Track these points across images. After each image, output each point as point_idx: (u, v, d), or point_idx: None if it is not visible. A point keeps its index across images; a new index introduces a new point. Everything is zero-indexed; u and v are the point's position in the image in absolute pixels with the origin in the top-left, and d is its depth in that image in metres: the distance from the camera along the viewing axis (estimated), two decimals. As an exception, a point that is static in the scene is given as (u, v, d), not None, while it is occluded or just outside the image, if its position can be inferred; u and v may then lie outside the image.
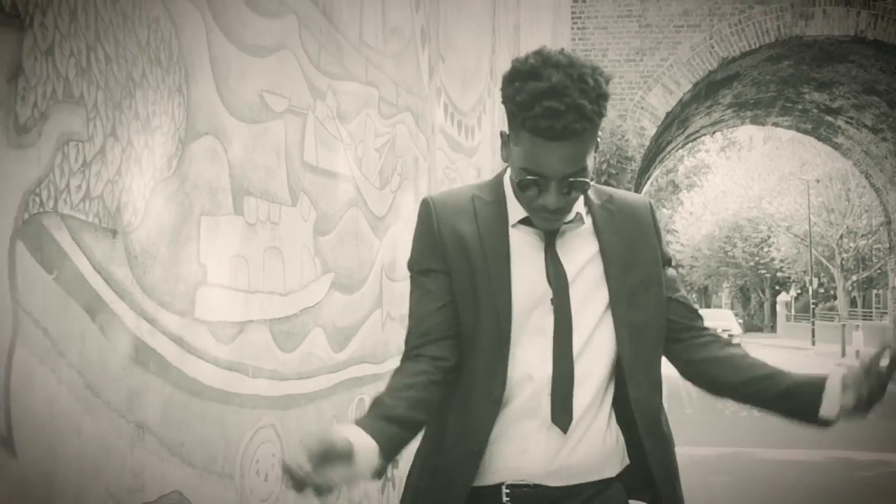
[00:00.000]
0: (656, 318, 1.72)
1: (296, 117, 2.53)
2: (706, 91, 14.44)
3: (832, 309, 39.69)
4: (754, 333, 44.11)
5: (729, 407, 12.57)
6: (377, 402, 1.57)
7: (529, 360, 1.65)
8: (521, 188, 1.60)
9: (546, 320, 1.66)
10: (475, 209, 1.70)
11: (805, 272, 38.41)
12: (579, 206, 1.69)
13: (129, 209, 1.78)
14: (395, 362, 3.29)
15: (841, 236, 35.50)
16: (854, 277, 36.62)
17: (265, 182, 2.35)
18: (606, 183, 11.57)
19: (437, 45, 3.97)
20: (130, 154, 1.78)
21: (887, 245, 19.76)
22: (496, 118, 5.16)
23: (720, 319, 31.58)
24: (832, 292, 41.24)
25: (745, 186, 42.06)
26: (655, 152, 16.10)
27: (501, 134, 1.67)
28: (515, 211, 1.69)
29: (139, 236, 1.81)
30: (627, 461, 1.70)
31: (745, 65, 13.87)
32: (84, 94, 1.64)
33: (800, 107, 17.28)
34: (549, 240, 1.68)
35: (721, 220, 44.66)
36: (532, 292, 1.66)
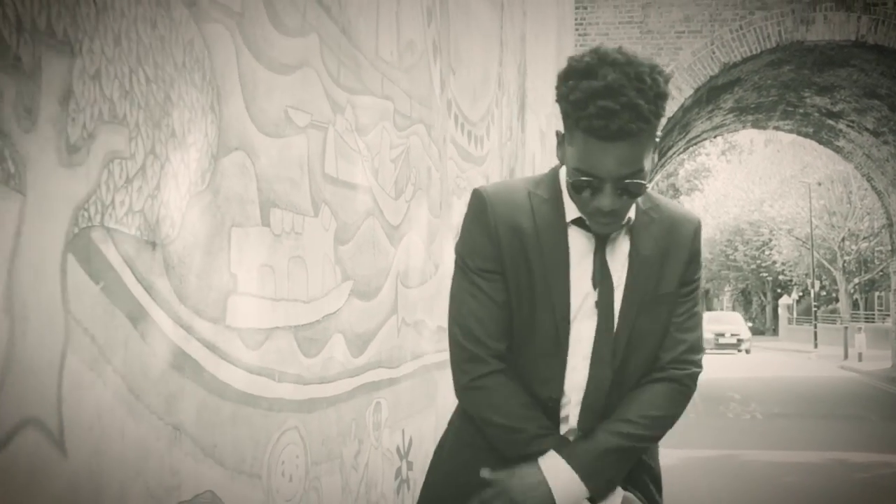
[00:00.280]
0: (654, 337, 1.69)
1: (317, 131, 2.62)
2: (708, 96, 14.50)
3: (834, 312, 39.64)
4: (757, 337, 43.91)
5: (731, 410, 12.64)
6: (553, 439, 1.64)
7: (577, 365, 1.65)
8: (575, 189, 1.55)
9: (585, 324, 1.65)
10: (532, 206, 1.65)
11: (807, 275, 38.36)
12: (629, 210, 1.64)
13: (166, 222, 1.86)
14: (409, 367, 3.38)
15: (843, 239, 35.41)
16: (856, 280, 36.49)
17: (290, 194, 2.44)
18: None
19: (447, 57, 4.06)
20: (168, 170, 1.87)
21: (889, 247, 19.77)
22: (503, 127, 5.24)
23: (729, 323, 29.85)
24: (834, 295, 41.16)
25: (746, 190, 41.98)
26: (657, 157, 16.10)
27: (557, 133, 1.63)
28: (570, 210, 1.64)
29: (176, 248, 1.89)
30: None
31: (746, 70, 13.93)
32: (127, 114, 1.72)
33: (801, 111, 17.33)
34: (600, 242, 1.65)
35: (722, 224, 44.62)
36: (582, 294, 1.64)
